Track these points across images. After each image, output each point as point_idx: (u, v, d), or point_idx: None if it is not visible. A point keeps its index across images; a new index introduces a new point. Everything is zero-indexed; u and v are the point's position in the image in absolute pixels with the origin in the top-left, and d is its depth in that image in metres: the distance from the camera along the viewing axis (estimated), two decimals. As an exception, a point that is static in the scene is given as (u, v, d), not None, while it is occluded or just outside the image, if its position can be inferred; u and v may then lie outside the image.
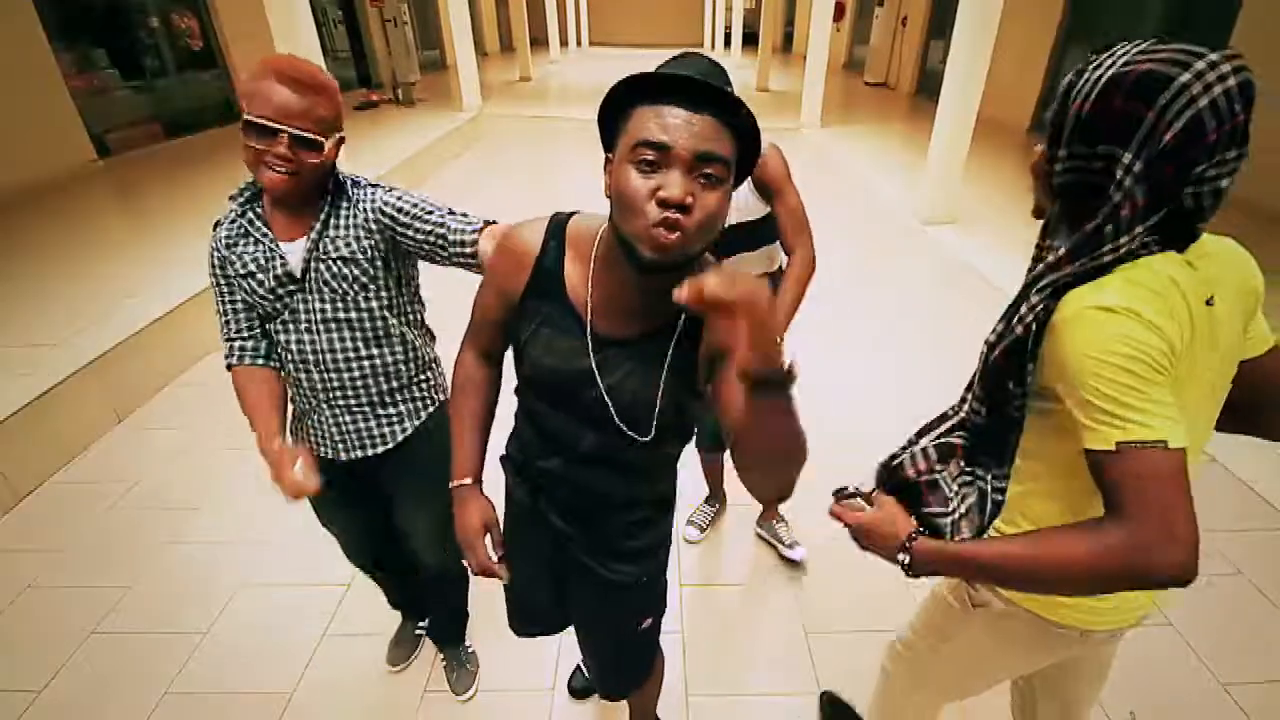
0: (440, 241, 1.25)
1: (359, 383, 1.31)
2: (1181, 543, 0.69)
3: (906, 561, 0.88)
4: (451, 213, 1.27)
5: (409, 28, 11.03)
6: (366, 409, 1.34)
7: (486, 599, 1.94)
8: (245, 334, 1.31)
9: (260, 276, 1.22)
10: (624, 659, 1.30)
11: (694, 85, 0.74)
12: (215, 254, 1.26)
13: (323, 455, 1.37)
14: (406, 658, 1.85)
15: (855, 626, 1.93)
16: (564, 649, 1.87)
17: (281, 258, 1.21)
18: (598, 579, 1.12)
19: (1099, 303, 0.73)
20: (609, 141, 0.83)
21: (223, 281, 1.27)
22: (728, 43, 21.02)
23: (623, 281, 0.87)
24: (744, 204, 1.72)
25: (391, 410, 1.36)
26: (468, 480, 1.12)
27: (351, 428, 1.34)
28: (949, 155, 4.96)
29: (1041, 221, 0.87)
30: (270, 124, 1.10)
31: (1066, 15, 7.73)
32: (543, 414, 1.01)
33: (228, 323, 1.31)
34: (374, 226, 1.24)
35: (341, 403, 1.32)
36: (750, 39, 19.22)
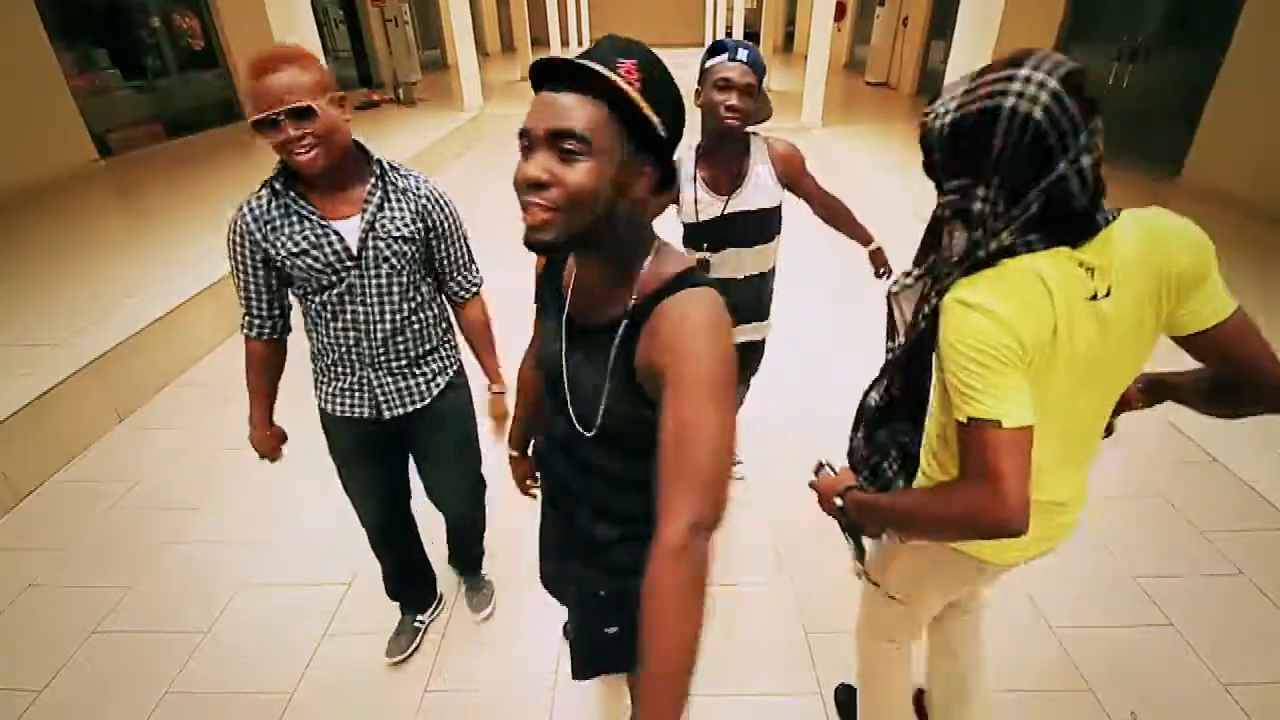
0: (447, 271, 1.47)
1: (402, 346, 1.45)
2: (1008, 503, 0.79)
3: (840, 505, 1.09)
4: (472, 260, 1.52)
5: (410, 27, 11.04)
6: (407, 370, 1.48)
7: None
8: (265, 312, 1.42)
9: (315, 254, 1.30)
10: (591, 646, 1.22)
11: (550, 67, 0.75)
12: (243, 235, 1.32)
13: (362, 416, 1.51)
14: (405, 649, 1.85)
15: (851, 626, 1.92)
16: (562, 660, 1.87)
17: (336, 234, 1.30)
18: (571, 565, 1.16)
19: (961, 297, 0.83)
20: None
21: (246, 260, 1.34)
22: (729, 42, 20.96)
23: (582, 268, 0.90)
24: (772, 190, 1.78)
25: (426, 369, 1.51)
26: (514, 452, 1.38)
27: (393, 387, 1.48)
28: (950, 155, 4.96)
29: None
30: (266, 115, 1.17)
31: (1068, 15, 7.71)
32: (544, 396, 1.07)
33: (249, 299, 1.39)
34: (418, 211, 1.37)
35: (385, 365, 1.45)
36: (751, 39, 19.21)
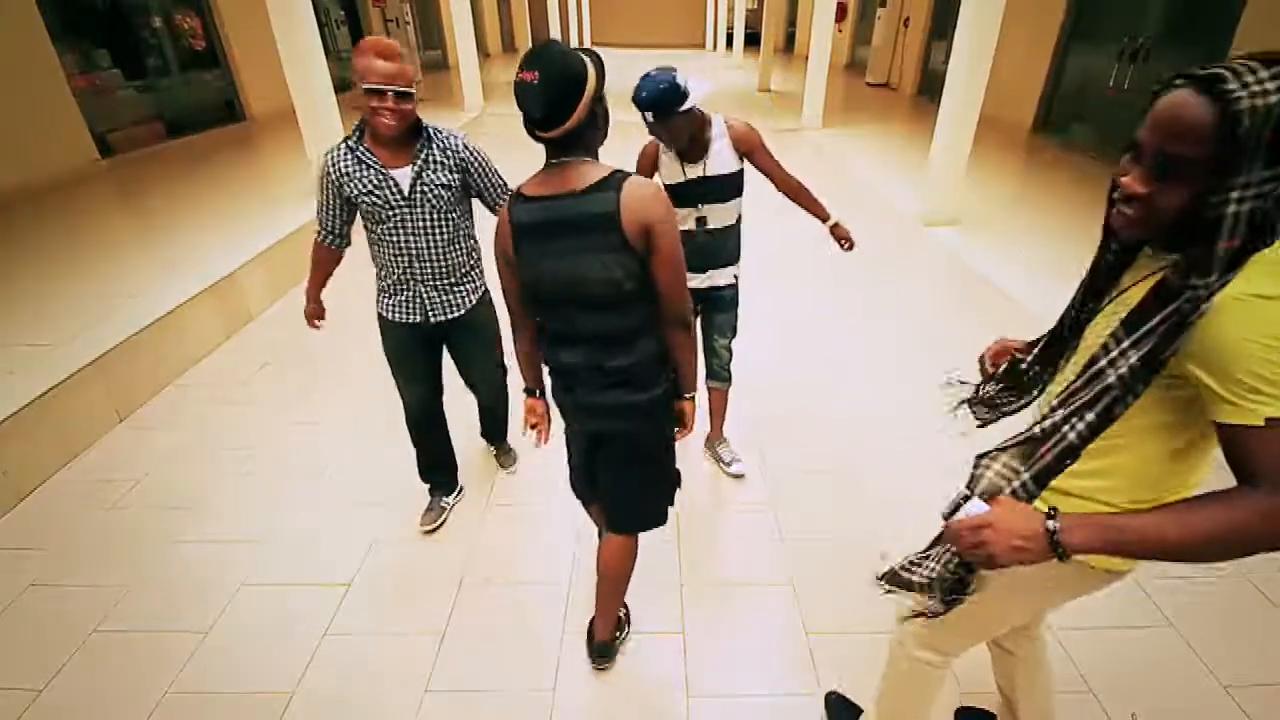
0: (490, 195, 1.96)
1: (443, 268, 1.94)
2: None
3: (1056, 534, 0.87)
4: (506, 185, 1.97)
5: (411, 28, 11.05)
6: (448, 286, 1.98)
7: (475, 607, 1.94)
8: (333, 229, 1.97)
9: (377, 194, 1.80)
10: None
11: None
12: (333, 171, 1.80)
13: (414, 321, 2.00)
14: (435, 522, 2.30)
15: (856, 627, 1.92)
16: (562, 660, 1.88)
17: (393, 180, 1.79)
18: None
19: (1254, 290, 0.77)
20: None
21: (329, 191, 1.85)
22: (730, 43, 21.03)
23: None
24: (728, 159, 2.12)
25: (463, 288, 2.02)
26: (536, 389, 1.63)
27: (439, 299, 1.99)
28: (951, 157, 4.95)
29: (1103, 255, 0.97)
30: (380, 86, 1.67)
31: (1069, 16, 7.72)
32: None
33: (325, 218, 1.93)
34: (456, 165, 1.86)
35: (432, 282, 1.95)
36: (752, 40, 19.21)
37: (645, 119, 1.95)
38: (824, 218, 2.43)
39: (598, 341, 1.39)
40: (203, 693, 1.75)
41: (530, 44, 15.47)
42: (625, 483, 1.62)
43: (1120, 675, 1.79)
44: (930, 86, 11.54)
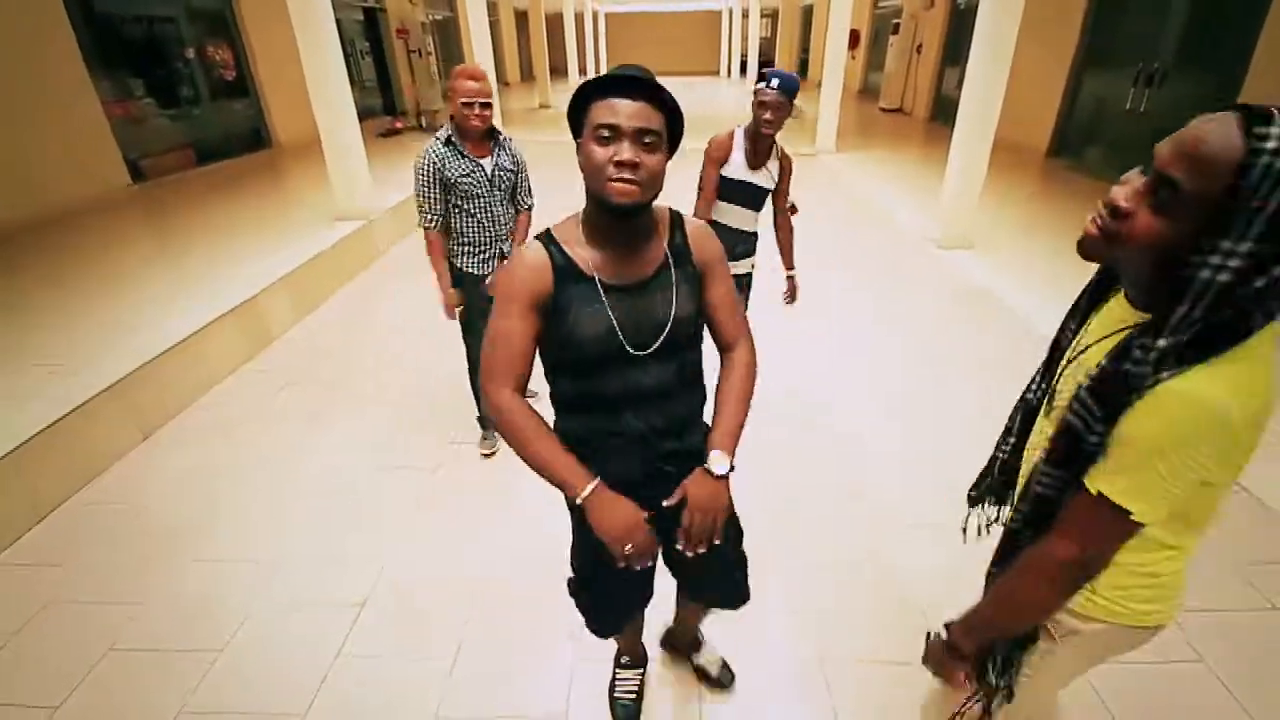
0: (520, 192, 2.62)
1: (503, 232, 2.59)
2: (1090, 571, 0.88)
3: (951, 644, 1.09)
4: (531, 189, 2.67)
5: (433, 58, 11.36)
6: (505, 246, 2.61)
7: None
8: (441, 210, 2.46)
9: (472, 177, 2.43)
10: (736, 572, 1.54)
11: (630, 81, 1.04)
12: (431, 165, 2.37)
13: (485, 274, 2.60)
14: (491, 448, 2.84)
15: (871, 656, 1.89)
16: (574, 684, 1.86)
17: (480, 166, 2.44)
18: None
19: (1200, 394, 0.72)
20: (576, 130, 1.13)
21: (434, 180, 2.39)
22: (744, 70, 21.33)
23: (612, 240, 1.14)
24: (773, 176, 2.54)
25: (510, 247, 2.62)
26: (596, 481, 1.13)
27: (499, 259, 2.60)
28: (965, 181, 4.96)
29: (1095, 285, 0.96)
30: (472, 99, 2.32)
31: (1083, 41, 7.75)
32: (582, 385, 1.19)
33: (430, 204, 2.43)
34: (513, 162, 2.54)
35: (500, 243, 2.59)
36: (766, 66, 19.47)
37: (767, 92, 2.33)
38: (790, 266, 2.73)
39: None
40: (215, 713, 1.75)
41: (548, 72, 15.85)
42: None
43: (1149, 711, 1.73)
44: (944, 111, 11.60)
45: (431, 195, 2.41)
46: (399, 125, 10.83)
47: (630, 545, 1.11)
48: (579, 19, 22.34)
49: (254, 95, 8.76)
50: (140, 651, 1.93)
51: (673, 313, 1.15)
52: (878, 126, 12.03)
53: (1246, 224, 0.66)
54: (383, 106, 12.72)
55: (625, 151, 1.01)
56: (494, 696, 1.80)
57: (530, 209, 2.68)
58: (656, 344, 1.15)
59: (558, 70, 22.18)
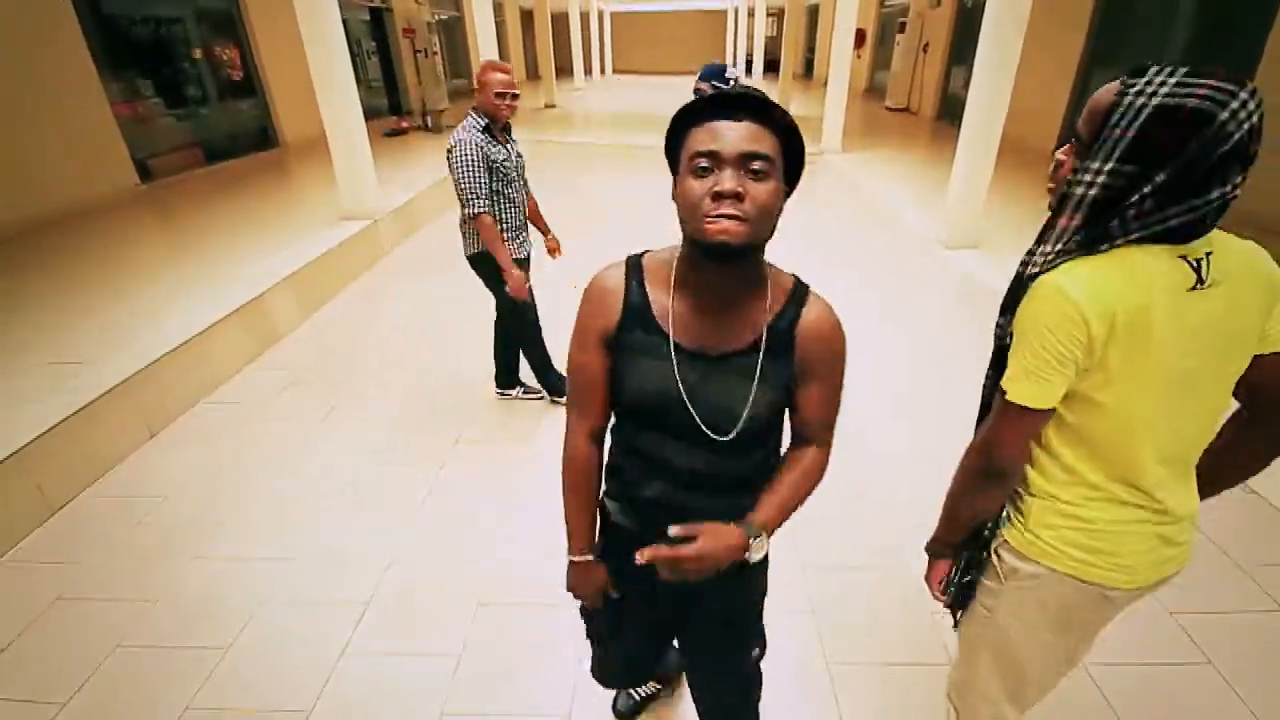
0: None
1: (525, 213, 2.87)
2: (996, 454, 0.97)
3: (928, 545, 1.20)
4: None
5: (439, 58, 11.38)
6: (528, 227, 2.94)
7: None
8: (487, 192, 2.58)
9: (507, 161, 2.63)
10: (741, 697, 1.37)
11: (731, 98, 0.87)
12: (477, 148, 2.51)
13: (528, 254, 2.90)
14: (533, 393, 3.26)
15: (876, 658, 1.88)
16: (578, 685, 1.86)
17: (510, 153, 2.67)
18: (715, 610, 1.22)
19: (1060, 283, 0.87)
20: (674, 167, 0.94)
21: (481, 163, 2.53)
22: (749, 69, 21.30)
23: (702, 294, 0.97)
24: None
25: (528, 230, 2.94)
26: (589, 555, 1.17)
27: (528, 236, 2.90)
28: (971, 180, 4.94)
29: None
30: (506, 90, 2.54)
31: (1090, 41, 7.71)
32: (642, 441, 1.06)
33: (481, 186, 2.55)
34: (518, 151, 2.78)
35: (525, 225, 2.88)
36: (771, 66, 19.46)
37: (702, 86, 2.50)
38: None
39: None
40: (221, 709, 1.76)
41: (554, 72, 15.87)
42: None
43: (1155, 713, 1.72)
44: (950, 110, 11.56)
45: (480, 179, 2.51)
46: (405, 125, 10.86)
47: (587, 601, 1.22)
48: (584, 18, 22.37)
49: (261, 95, 8.79)
50: (146, 649, 1.94)
51: (746, 410, 0.97)
52: (884, 126, 11.99)
53: (1111, 148, 0.83)
54: (388, 106, 12.75)
55: (727, 180, 0.83)
56: (498, 696, 1.80)
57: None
58: (733, 433, 0.98)
59: (563, 70, 22.19)
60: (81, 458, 2.65)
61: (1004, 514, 1.08)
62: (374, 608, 2.08)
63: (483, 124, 2.55)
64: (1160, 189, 0.81)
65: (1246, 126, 0.77)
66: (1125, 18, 7.18)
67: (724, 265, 0.91)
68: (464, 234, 2.79)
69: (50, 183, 5.51)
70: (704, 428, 0.98)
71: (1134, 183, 0.82)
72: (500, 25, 18.56)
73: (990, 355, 1.05)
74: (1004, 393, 0.93)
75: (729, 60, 24.44)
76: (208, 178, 7.19)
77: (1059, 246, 0.90)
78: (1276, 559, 2.18)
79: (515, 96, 2.55)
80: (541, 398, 3.23)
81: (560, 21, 20.61)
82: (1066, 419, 0.96)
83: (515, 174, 2.67)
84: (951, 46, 11.86)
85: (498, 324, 3.14)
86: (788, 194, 0.92)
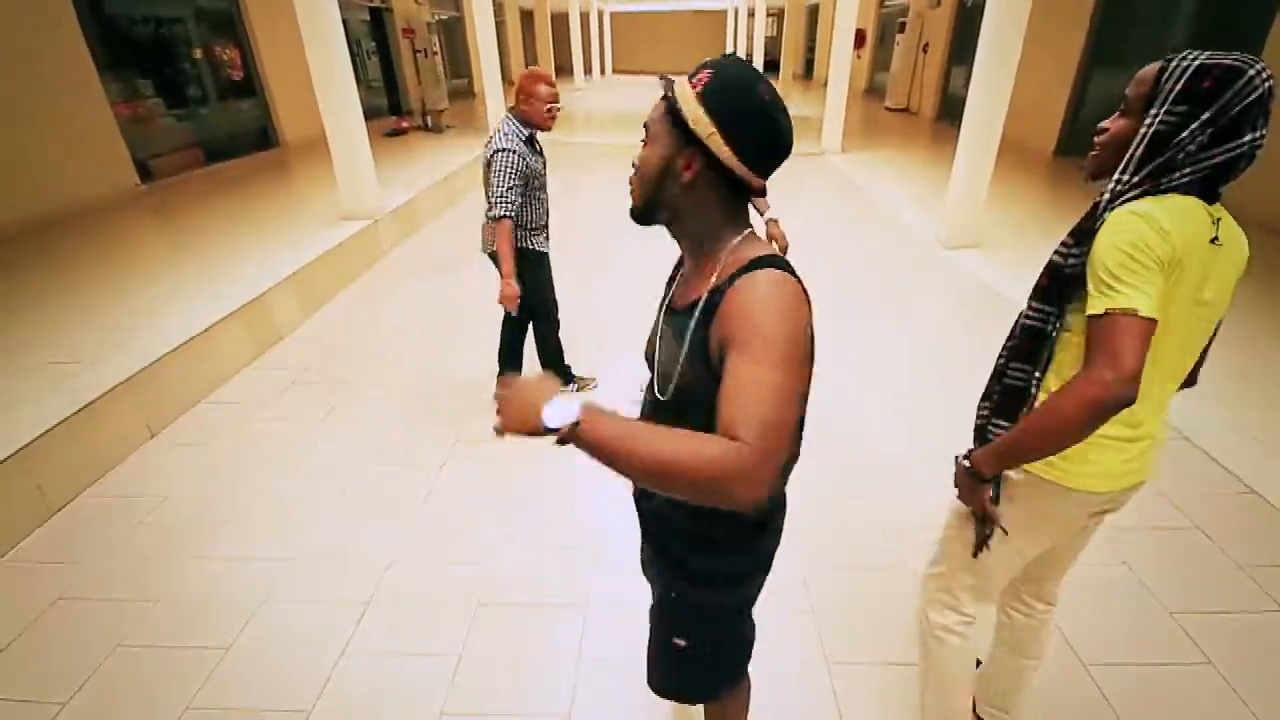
0: None
1: (548, 212, 2.87)
2: (1124, 374, 0.96)
3: (974, 470, 1.22)
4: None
5: (439, 58, 11.38)
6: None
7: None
8: (518, 199, 2.62)
9: (543, 171, 2.76)
10: (659, 660, 1.30)
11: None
12: (521, 158, 2.57)
13: (548, 251, 2.91)
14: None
15: (877, 658, 1.88)
16: (578, 685, 1.86)
17: (543, 159, 2.78)
18: (651, 576, 1.26)
19: (1133, 209, 1.03)
20: None
21: (520, 174, 2.57)
22: (749, 70, 21.24)
23: (684, 256, 1.05)
24: None
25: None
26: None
27: (549, 235, 2.92)
28: (971, 180, 4.94)
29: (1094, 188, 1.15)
30: (552, 104, 2.60)
31: (1090, 40, 7.71)
32: None
33: (513, 193, 2.57)
34: None
35: (548, 220, 2.87)
36: (771, 66, 19.45)
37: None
38: (762, 210, 2.56)
39: None
40: (221, 709, 1.76)
41: (554, 71, 15.86)
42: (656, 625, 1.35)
43: (1155, 713, 1.72)
44: (950, 111, 11.56)
45: (514, 187, 2.56)
46: (404, 125, 10.86)
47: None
48: (584, 18, 22.37)
49: (261, 95, 8.79)
50: (147, 649, 1.94)
51: (677, 372, 0.96)
52: (884, 126, 11.99)
53: (1165, 97, 1.03)
54: (388, 106, 12.76)
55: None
56: (497, 696, 1.80)
57: None
58: (668, 393, 0.98)
59: (563, 69, 22.19)
60: (82, 458, 2.65)
61: None
62: (374, 607, 2.08)
63: (526, 134, 2.62)
64: (1206, 125, 1.00)
65: (1268, 84, 0.99)
66: (1125, 17, 7.18)
67: (646, 227, 1.01)
68: (487, 231, 2.76)
69: (50, 183, 5.51)
70: (655, 380, 1.04)
71: (1185, 121, 1.01)
72: (500, 25, 18.56)
73: (1013, 326, 1.25)
74: (1123, 310, 0.98)
75: (729, 60, 24.37)
76: (208, 178, 7.19)
77: (1130, 175, 1.07)
78: (1277, 559, 2.18)
79: (559, 108, 2.63)
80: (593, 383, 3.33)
81: (560, 21, 20.61)
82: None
83: (545, 178, 2.80)
84: (951, 47, 11.86)
85: (538, 335, 3.07)
86: (753, 171, 0.90)
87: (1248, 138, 1.01)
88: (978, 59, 4.67)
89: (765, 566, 1.17)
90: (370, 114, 7.10)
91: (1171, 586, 2.09)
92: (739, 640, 1.26)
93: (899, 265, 5.15)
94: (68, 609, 2.08)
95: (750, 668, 1.90)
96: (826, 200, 7.13)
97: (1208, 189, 1.05)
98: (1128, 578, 2.13)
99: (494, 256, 2.76)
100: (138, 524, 2.45)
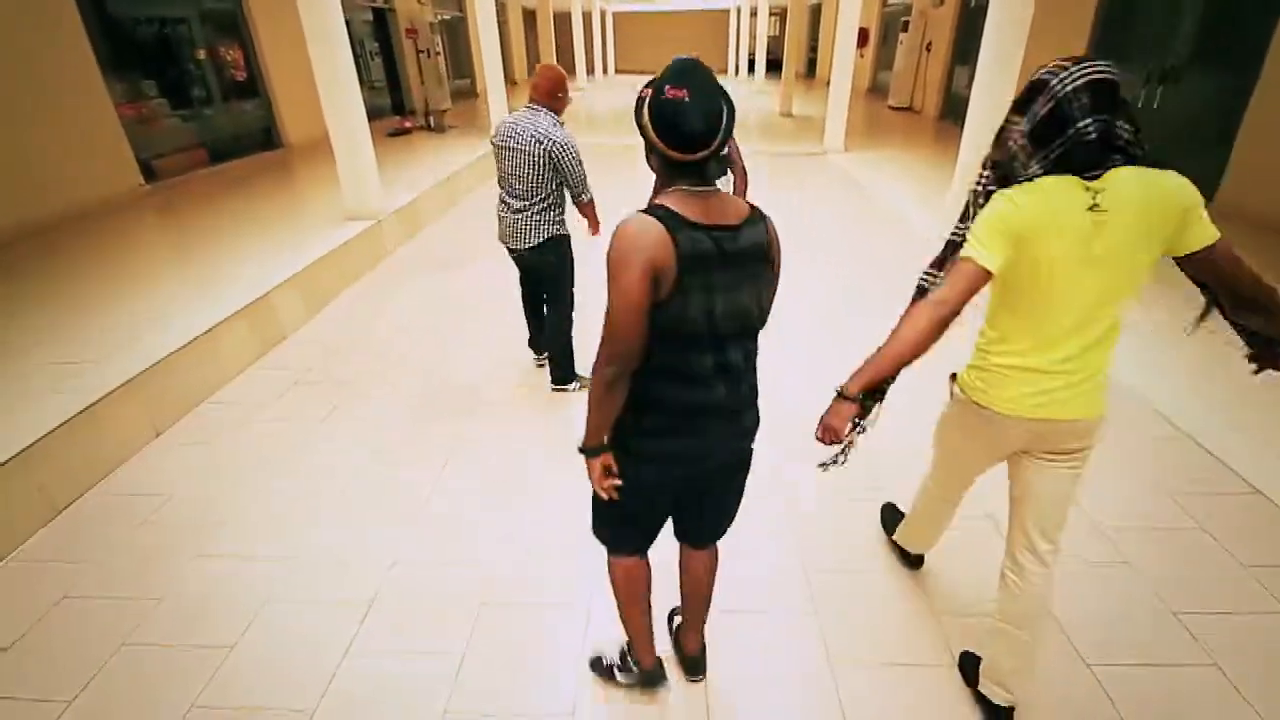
0: None
1: None
2: (949, 302, 1.34)
3: (841, 394, 1.50)
4: None
5: (441, 58, 11.39)
6: None
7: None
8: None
9: None
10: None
11: None
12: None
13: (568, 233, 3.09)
14: (540, 355, 3.52)
15: (880, 658, 1.88)
16: (581, 684, 1.86)
17: None
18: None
19: (1003, 192, 1.32)
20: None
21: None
22: (752, 69, 21.27)
23: None
24: None
25: None
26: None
27: None
28: (975, 179, 4.93)
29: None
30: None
31: (1094, 39, 7.68)
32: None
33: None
34: None
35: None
36: (774, 66, 19.43)
37: None
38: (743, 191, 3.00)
39: (741, 372, 1.34)
40: (225, 708, 1.77)
41: (556, 72, 15.91)
42: (732, 501, 1.60)
43: (1159, 714, 1.71)
44: (953, 110, 11.53)
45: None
46: (408, 125, 10.87)
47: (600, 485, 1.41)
48: (587, 18, 22.37)
49: (264, 96, 8.81)
50: (151, 648, 1.95)
51: None
52: (887, 125, 11.97)
53: (1010, 107, 1.35)
54: (391, 106, 12.77)
55: None
56: (500, 695, 1.81)
57: None
58: None
59: (566, 69, 22.16)
60: (85, 458, 2.66)
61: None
62: (376, 607, 2.08)
63: (561, 124, 2.84)
64: (1032, 128, 1.28)
65: (1070, 87, 1.23)
66: (1128, 17, 7.15)
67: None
68: (536, 224, 2.92)
69: (54, 183, 5.53)
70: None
71: (1011, 125, 1.33)
72: (503, 25, 18.58)
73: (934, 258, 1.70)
74: (962, 259, 1.34)
75: (730, 60, 24.43)
76: (212, 178, 7.21)
77: (987, 172, 1.43)
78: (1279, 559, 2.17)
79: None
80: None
81: (563, 21, 20.61)
82: (1005, 299, 1.41)
83: None
84: (955, 46, 11.83)
85: (554, 319, 3.22)
86: (670, 148, 1.18)
87: (1071, 131, 1.24)
88: (981, 58, 4.66)
89: (646, 468, 1.40)
90: (373, 114, 7.11)
91: (1175, 587, 2.08)
92: (614, 505, 1.45)
93: (901, 264, 5.13)
94: (72, 608, 2.09)
95: (753, 669, 1.91)
96: (829, 199, 7.12)
97: (1084, 169, 1.26)
98: (1132, 578, 2.13)
99: (544, 247, 2.97)
100: (141, 524, 2.46)
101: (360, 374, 3.54)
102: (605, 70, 26.02)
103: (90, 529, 2.44)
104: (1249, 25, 5.49)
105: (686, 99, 1.13)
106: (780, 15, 24.96)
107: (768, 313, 1.32)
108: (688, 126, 1.14)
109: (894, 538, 2.19)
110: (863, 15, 10.01)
